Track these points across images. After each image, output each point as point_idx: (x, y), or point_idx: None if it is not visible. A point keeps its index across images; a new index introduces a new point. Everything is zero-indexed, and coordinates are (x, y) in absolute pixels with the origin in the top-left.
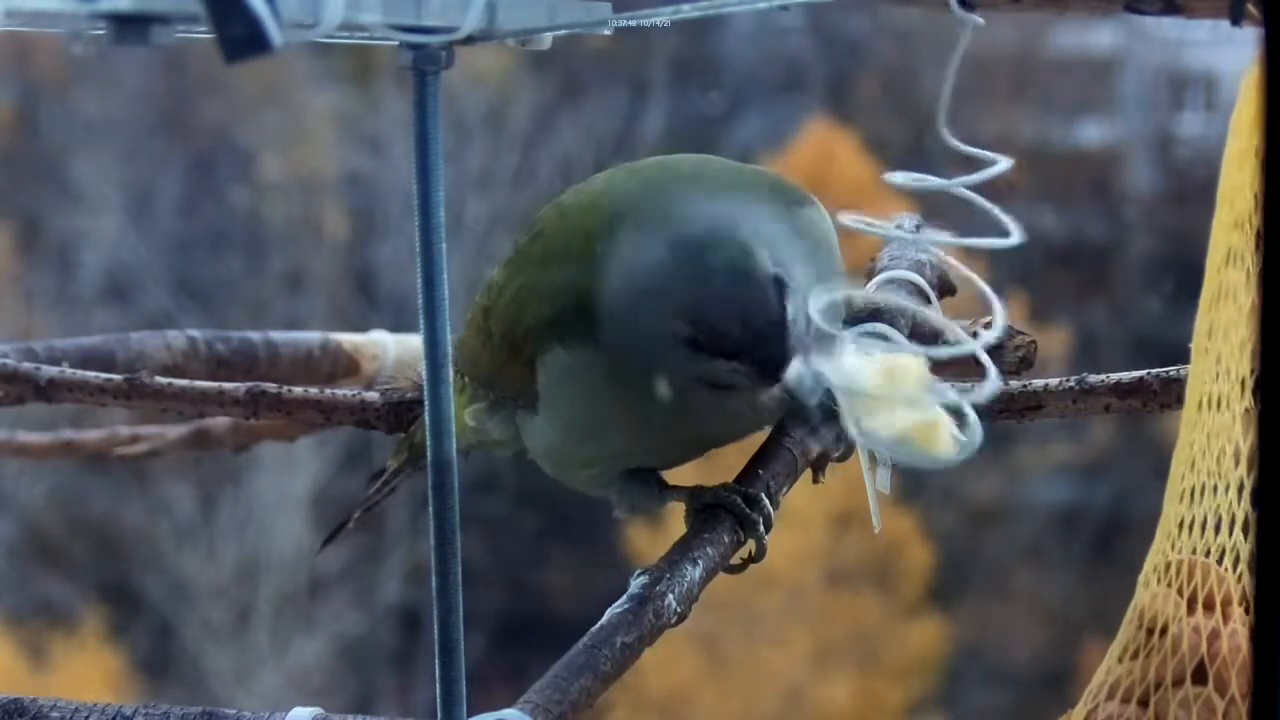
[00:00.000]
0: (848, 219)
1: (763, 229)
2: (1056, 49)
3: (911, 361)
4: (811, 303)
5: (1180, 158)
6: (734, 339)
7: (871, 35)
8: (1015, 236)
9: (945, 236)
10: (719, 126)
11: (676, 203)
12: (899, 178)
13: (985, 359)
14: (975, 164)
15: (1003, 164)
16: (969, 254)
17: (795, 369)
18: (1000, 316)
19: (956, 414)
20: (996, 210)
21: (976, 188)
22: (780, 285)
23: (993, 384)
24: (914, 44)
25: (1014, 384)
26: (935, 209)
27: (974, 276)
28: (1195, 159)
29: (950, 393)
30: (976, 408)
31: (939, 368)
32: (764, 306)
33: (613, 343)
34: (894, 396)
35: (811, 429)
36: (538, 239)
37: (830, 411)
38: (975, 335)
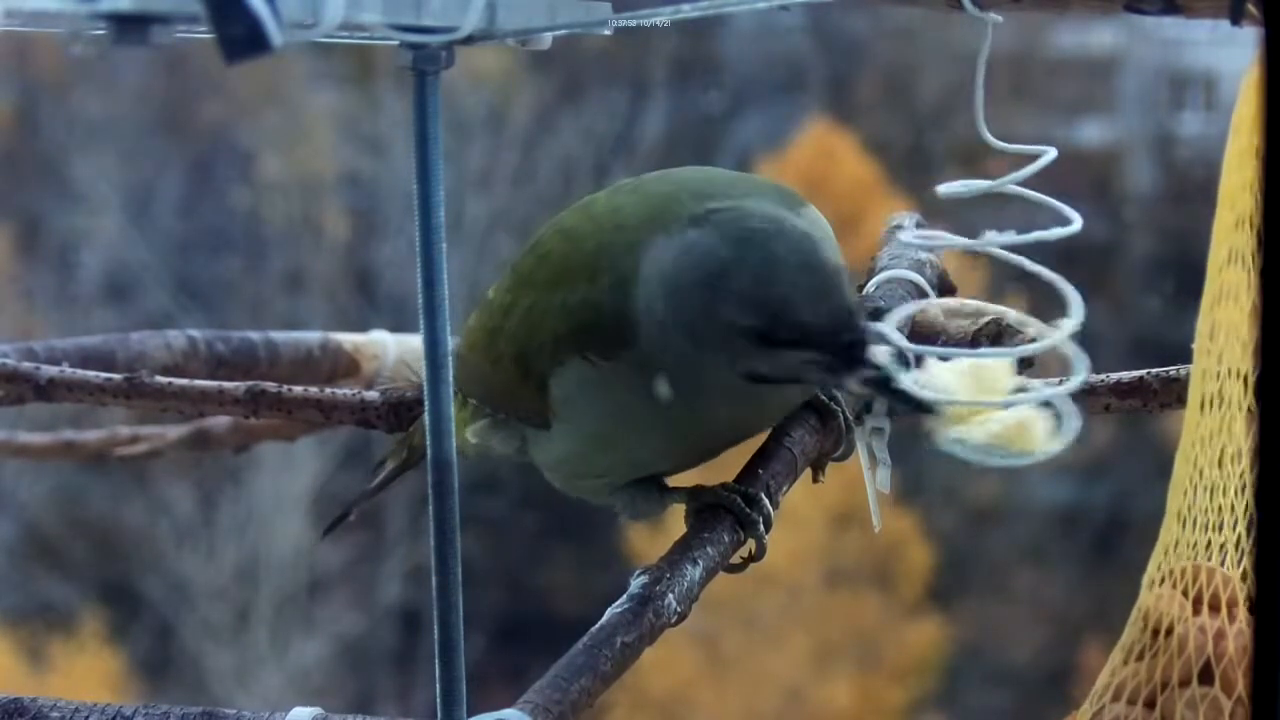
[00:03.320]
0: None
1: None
2: (1056, 49)
3: (997, 364)
4: (888, 319)
5: (1180, 158)
6: (809, 329)
7: (871, 35)
8: (1075, 223)
9: (1008, 236)
10: (719, 126)
11: (711, 203)
12: (949, 188)
13: (1074, 349)
14: (981, 163)
15: (1048, 154)
16: (967, 253)
17: (882, 360)
18: (1078, 305)
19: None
20: (1055, 202)
21: (1027, 183)
22: (842, 273)
23: (1083, 373)
24: (914, 44)
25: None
26: (940, 209)
27: (1047, 272)
28: (1195, 159)
29: (1043, 389)
30: (1071, 398)
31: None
32: (834, 294)
33: (649, 348)
34: (988, 402)
35: (888, 409)
36: (543, 261)
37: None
38: (997, 335)
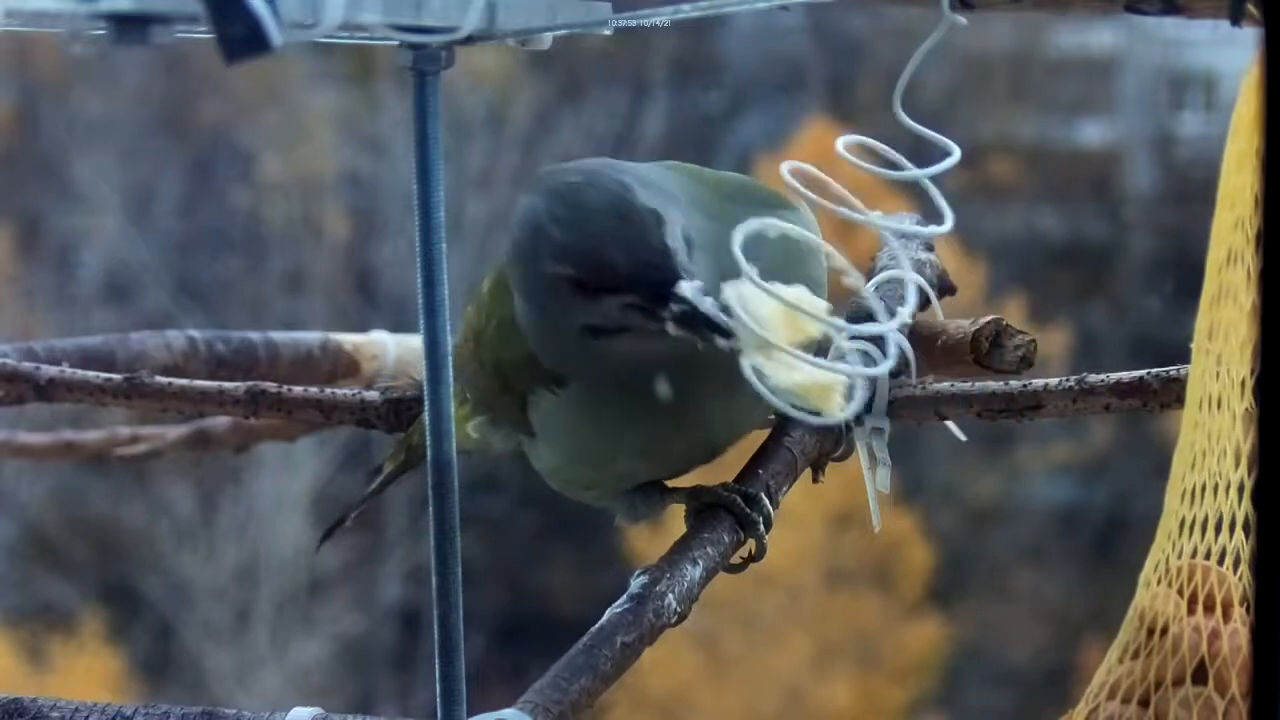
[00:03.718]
0: (787, 167)
1: (663, 194)
2: (1056, 49)
3: (813, 304)
4: (736, 232)
5: (1180, 158)
6: (616, 270)
7: (871, 35)
8: (948, 222)
9: (893, 222)
10: (719, 126)
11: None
12: (846, 141)
13: (900, 339)
14: (979, 162)
15: (953, 156)
16: (970, 252)
17: (686, 292)
18: (913, 298)
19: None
20: (939, 198)
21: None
22: (657, 218)
23: (889, 361)
24: (914, 44)
25: (1014, 384)
26: (938, 209)
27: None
28: (1195, 159)
29: (841, 361)
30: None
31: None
32: (643, 235)
33: (527, 323)
34: (783, 347)
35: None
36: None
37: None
38: (997, 336)
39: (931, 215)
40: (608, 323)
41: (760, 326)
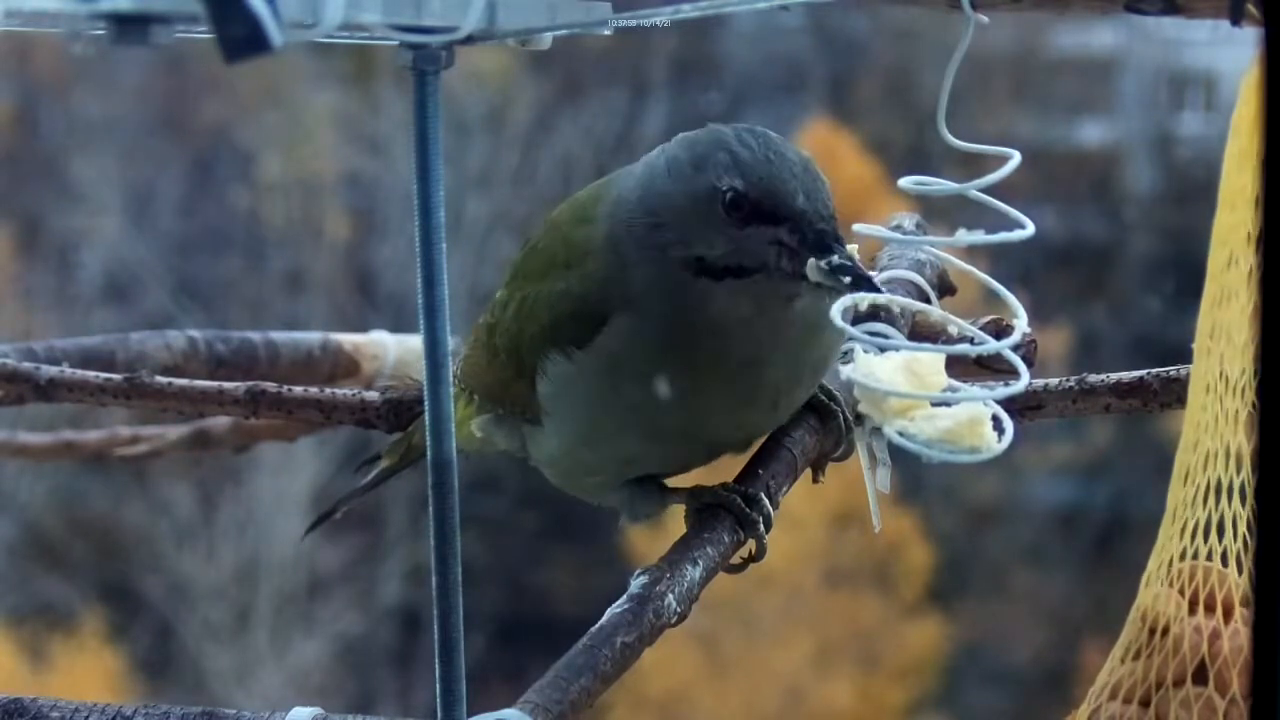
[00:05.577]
0: (860, 228)
1: None
2: (1056, 49)
3: (931, 359)
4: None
5: (1180, 158)
6: (792, 202)
7: (871, 35)
8: (1028, 229)
9: (966, 236)
10: None
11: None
12: (908, 182)
13: (1014, 358)
14: (978, 161)
15: (1013, 161)
16: (969, 251)
17: (846, 251)
18: (1023, 316)
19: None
20: (1008, 209)
21: (988, 188)
22: (829, 191)
23: (1024, 379)
24: (914, 44)
25: (1014, 383)
26: (939, 208)
27: (999, 286)
28: (1195, 159)
29: (977, 389)
30: (1005, 404)
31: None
32: (821, 189)
33: (620, 301)
34: (923, 395)
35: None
36: (532, 254)
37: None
38: (998, 335)
39: (933, 215)
40: (731, 257)
41: (887, 387)
